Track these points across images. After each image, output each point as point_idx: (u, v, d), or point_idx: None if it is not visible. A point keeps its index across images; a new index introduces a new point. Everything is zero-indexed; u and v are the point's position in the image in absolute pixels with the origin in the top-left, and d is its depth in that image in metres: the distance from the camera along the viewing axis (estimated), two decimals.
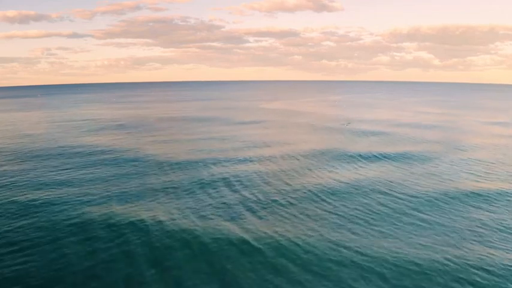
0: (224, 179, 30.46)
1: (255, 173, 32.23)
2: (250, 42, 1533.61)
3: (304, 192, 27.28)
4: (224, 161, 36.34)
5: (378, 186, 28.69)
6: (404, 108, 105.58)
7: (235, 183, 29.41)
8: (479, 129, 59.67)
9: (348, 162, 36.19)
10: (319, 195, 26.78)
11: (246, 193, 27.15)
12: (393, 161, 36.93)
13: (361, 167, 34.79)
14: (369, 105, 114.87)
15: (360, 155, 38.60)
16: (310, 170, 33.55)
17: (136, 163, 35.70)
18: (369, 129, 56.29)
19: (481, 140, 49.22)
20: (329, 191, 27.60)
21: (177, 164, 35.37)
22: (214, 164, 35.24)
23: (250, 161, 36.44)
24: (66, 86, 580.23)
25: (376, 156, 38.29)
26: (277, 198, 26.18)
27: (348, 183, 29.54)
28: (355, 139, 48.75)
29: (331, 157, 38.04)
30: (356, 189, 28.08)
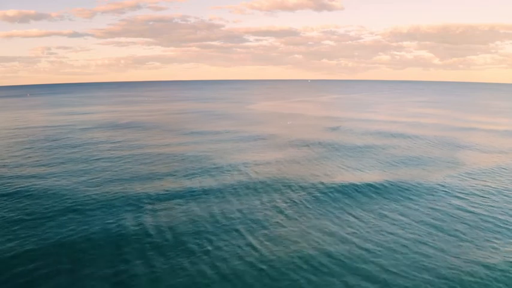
0: (125, 229, 19.89)
1: (169, 220, 21.61)
2: (250, 41, 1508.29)
3: (237, 260, 16.78)
4: (144, 198, 25.64)
5: (347, 249, 18.13)
6: (401, 110, 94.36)
7: (133, 243, 18.85)
8: (481, 141, 48.76)
9: (314, 200, 25.49)
10: (259, 271, 16.31)
11: (135, 262, 16.62)
12: (373, 195, 26.17)
13: (330, 207, 24.14)
14: (364, 106, 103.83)
15: (332, 188, 27.77)
16: (255, 219, 22.88)
17: (23, 198, 25.15)
18: (354, 143, 45.39)
19: (483, 159, 38.48)
20: (275, 266, 17.09)
21: (63, 205, 24.76)
22: (128, 205, 24.58)
23: (176, 197, 25.71)
24: (66, 85, 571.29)
25: (352, 190, 27.34)
26: (193, 276, 15.74)
27: (311, 245, 18.99)
28: (332, 159, 37.93)
29: (292, 191, 27.21)
30: (321, 265, 17.49)
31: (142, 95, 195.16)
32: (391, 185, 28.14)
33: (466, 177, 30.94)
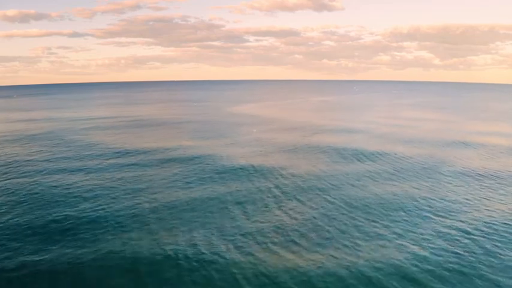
0: None
1: None
2: (250, 41, 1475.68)
3: None
4: None
5: None
6: (395, 114, 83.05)
7: None
8: (476, 164, 37.97)
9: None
10: None
11: None
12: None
13: None
14: (349, 110, 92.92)
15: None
16: None
17: None
18: (305, 174, 34.78)
19: (476, 202, 27.72)
20: None
21: None
22: None
23: None
24: (65, 85, 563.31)
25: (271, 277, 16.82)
26: None
27: None
28: (255, 205, 27.22)
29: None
30: None
31: (131, 96, 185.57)
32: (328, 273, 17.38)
33: (448, 244, 20.17)
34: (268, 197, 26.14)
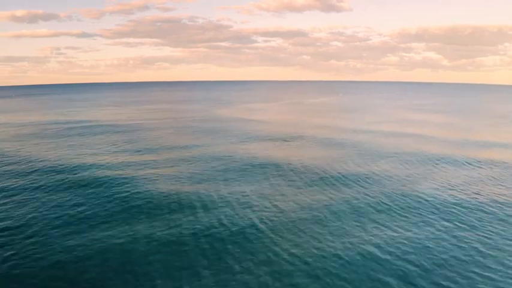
0: None
1: None
2: (258, 42, 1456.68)
3: None
4: None
5: None
6: (391, 117, 74.73)
7: None
8: (472, 190, 29.94)
9: None
10: None
11: None
12: None
13: None
14: (350, 111, 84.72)
15: None
16: None
17: None
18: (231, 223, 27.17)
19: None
20: None
21: None
22: None
23: None
24: (73, 85, 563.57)
25: None
26: None
27: None
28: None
29: None
30: None
31: (127, 96, 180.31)
32: None
33: None
34: (187, 248, 18.63)
